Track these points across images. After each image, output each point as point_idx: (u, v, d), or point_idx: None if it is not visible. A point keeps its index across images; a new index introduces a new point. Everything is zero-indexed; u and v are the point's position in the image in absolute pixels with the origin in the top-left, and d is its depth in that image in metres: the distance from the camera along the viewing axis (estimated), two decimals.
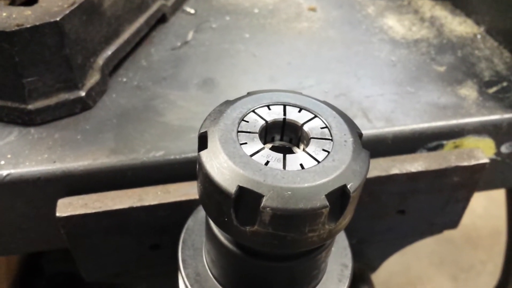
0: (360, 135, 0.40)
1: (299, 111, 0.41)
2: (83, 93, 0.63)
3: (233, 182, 0.34)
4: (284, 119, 0.41)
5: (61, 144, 0.58)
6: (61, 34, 0.58)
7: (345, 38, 0.83)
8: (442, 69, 0.75)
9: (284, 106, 0.42)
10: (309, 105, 0.42)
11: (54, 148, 0.58)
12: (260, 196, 0.34)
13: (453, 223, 0.71)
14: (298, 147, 0.41)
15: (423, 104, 0.67)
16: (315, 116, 0.41)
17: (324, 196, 0.34)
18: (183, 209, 0.55)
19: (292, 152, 0.41)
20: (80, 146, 0.58)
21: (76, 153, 0.57)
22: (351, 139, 0.39)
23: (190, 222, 0.51)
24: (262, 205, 0.33)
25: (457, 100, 0.68)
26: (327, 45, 0.81)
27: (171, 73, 0.72)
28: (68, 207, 0.54)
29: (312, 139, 0.39)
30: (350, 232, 0.54)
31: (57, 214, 0.53)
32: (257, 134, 0.39)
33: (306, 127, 0.40)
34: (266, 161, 0.36)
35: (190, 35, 0.82)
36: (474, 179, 0.64)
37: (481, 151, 0.63)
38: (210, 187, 0.36)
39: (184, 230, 0.50)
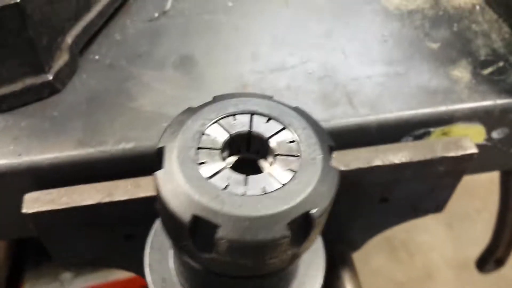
0: (331, 148, 0.38)
1: (267, 121, 0.39)
2: (50, 77, 0.59)
3: (187, 209, 0.32)
4: (249, 131, 0.38)
5: (27, 134, 0.55)
6: (23, 16, 0.54)
7: (334, 7, 0.77)
8: (435, 46, 0.70)
9: (251, 115, 0.39)
10: (279, 114, 0.39)
11: (20, 138, 0.55)
12: (216, 227, 0.32)
13: (438, 208, 0.70)
14: (266, 158, 0.39)
15: (412, 88, 0.63)
16: (284, 128, 0.38)
17: (285, 224, 0.32)
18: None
19: (257, 166, 0.38)
20: (47, 136, 0.55)
21: (42, 144, 0.54)
22: (320, 156, 0.36)
23: (158, 224, 0.49)
24: (217, 236, 0.31)
25: (449, 83, 0.64)
26: (315, 15, 0.76)
27: (146, 50, 0.68)
28: (35, 202, 0.52)
29: (278, 156, 0.36)
30: (329, 219, 0.52)
31: (24, 211, 0.51)
32: (219, 151, 0.36)
33: (273, 141, 0.37)
34: (225, 185, 0.34)
35: (168, 4, 0.76)
36: (461, 168, 0.61)
37: (469, 140, 0.60)
38: (165, 212, 0.34)
39: (152, 232, 0.48)
